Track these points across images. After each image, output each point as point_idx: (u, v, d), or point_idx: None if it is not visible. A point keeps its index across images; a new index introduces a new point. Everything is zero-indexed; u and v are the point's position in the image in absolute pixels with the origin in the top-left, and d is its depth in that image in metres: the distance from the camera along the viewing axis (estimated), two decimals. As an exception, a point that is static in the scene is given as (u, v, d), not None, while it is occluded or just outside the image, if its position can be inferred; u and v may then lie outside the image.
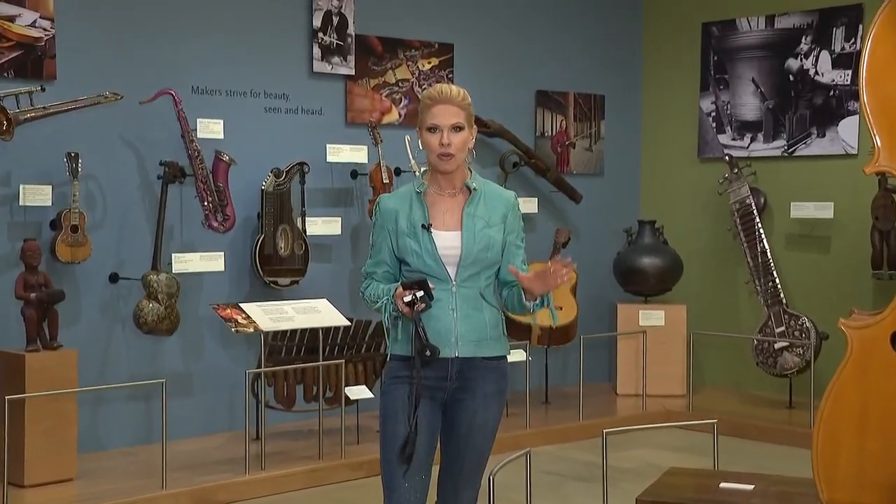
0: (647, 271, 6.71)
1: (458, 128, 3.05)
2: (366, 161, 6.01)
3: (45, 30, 5.04)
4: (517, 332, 5.97)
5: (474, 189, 3.10)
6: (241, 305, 5.21)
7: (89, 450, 5.08)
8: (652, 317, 6.68)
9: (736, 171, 6.58)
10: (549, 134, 7.01)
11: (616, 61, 7.35)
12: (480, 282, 3.08)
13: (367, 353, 5.59)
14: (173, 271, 5.31)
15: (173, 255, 5.37)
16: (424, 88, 6.27)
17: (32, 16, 5.01)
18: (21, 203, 4.95)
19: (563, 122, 7.08)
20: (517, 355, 5.59)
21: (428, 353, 2.94)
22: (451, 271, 3.04)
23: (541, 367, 6.48)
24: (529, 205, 6.64)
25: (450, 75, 6.46)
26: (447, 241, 3.05)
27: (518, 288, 3.07)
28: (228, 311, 5.17)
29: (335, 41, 6.01)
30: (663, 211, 7.20)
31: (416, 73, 6.36)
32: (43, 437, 4.61)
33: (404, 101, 6.31)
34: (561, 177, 6.93)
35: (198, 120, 5.42)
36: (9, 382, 4.63)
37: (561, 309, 6.20)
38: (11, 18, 4.95)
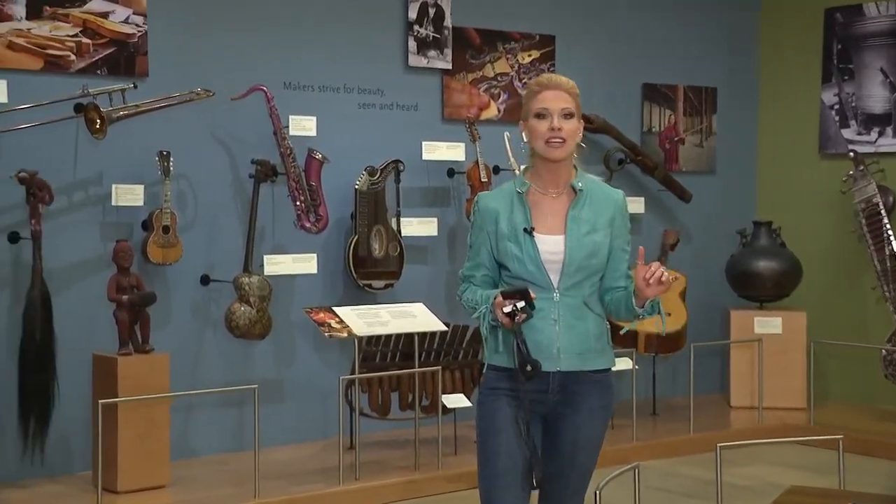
0: (763, 275, 6.59)
1: (568, 114, 3.01)
2: (463, 159, 6.03)
3: (137, 26, 5.19)
4: (623, 339, 5.92)
5: (580, 190, 3.05)
6: (335, 309, 5.26)
7: (181, 456, 5.20)
8: (769, 324, 6.55)
9: (861, 168, 6.41)
10: (657, 129, 6.93)
11: (729, 51, 7.23)
12: (584, 290, 3.03)
13: (464, 359, 5.61)
14: (265, 273, 5.40)
15: (265, 256, 5.46)
16: (524, 83, 6.27)
17: (125, 12, 5.16)
18: (113, 203, 5.10)
19: (672, 116, 6.99)
20: (623, 364, 5.54)
21: (529, 368, 2.90)
22: (554, 278, 3.00)
23: (648, 376, 6.42)
24: (636, 205, 6.57)
25: (551, 68, 6.44)
26: (550, 246, 3.01)
27: (625, 292, 3.03)
28: (321, 314, 5.22)
29: (431, 34, 6.04)
30: (781, 211, 7.05)
31: (516, 66, 6.36)
32: (135, 442, 4.74)
33: (503, 96, 6.31)
34: (669, 175, 6.85)
35: (290, 117, 5.50)
36: (101, 386, 4.78)
37: (669, 315, 6.12)
38: (105, 15, 5.11)
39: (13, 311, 4.87)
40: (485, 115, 6.25)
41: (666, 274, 2.94)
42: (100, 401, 4.49)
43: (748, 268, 6.63)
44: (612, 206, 3.08)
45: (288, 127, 5.48)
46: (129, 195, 5.12)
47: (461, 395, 5.44)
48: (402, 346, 5.46)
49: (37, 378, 4.74)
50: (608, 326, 3.12)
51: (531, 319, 2.93)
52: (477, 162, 5.93)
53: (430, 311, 5.44)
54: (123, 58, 5.15)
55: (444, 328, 5.43)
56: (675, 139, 7.02)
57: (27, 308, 4.75)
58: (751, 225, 6.81)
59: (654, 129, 6.93)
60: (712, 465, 3.87)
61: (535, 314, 2.92)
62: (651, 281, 2.92)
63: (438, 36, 6.07)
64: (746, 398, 6.52)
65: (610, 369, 3.10)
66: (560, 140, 3.00)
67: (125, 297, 4.84)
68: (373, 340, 5.38)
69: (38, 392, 4.74)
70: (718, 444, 3.87)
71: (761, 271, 6.59)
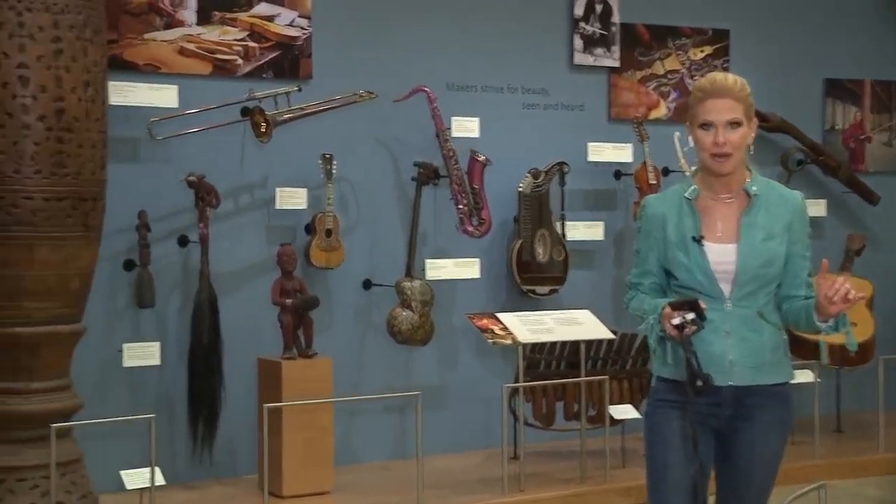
0: (960, 283, 6.28)
1: (734, 124, 2.93)
2: (630, 160, 5.98)
3: (302, 28, 5.35)
4: (803, 351, 5.73)
5: (754, 194, 2.97)
6: (498, 315, 5.28)
7: (344, 462, 5.31)
8: (967, 336, 6.24)
9: None
10: (841, 127, 6.71)
11: (921, 42, 6.93)
12: (759, 300, 2.95)
13: (633, 368, 5.54)
14: (427, 278, 5.47)
15: (427, 260, 5.53)
16: (696, 79, 6.15)
17: (291, 15, 5.32)
18: (277, 206, 5.26)
19: (858, 113, 6.75)
20: (803, 376, 5.36)
21: (699, 382, 2.84)
22: (726, 289, 2.93)
23: (832, 390, 6.19)
24: (817, 207, 6.37)
25: (725, 65, 6.31)
26: (721, 256, 2.94)
27: (805, 303, 2.93)
28: (484, 320, 5.25)
29: (598, 31, 6.01)
30: (979, 214, 6.72)
31: (687, 63, 6.26)
32: (300, 447, 4.87)
33: (673, 95, 6.22)
34: (854, 175, 6.61)
35: (452, 118, 5.57)
36: (266, 390, 4.93)
37: (856, 325, 5.88)
38: (271, 18, 5.28)
39: (182, 314, 5.07)
40: (653, 114, 6.18)
41: (852, 291, 2.81)
42: (265, 405, 4.63)
43: (942, 275, 6.32)
44: (790, 209, 2.99)
45: (450, 128, 5.54)
46: (293, 198, 5.27)
47: (629, 406, 5.38)
48: (568, 354, 5.44)
49: (205, 381, 4.93)
50: (786, 337, 3.02)
51: (702, 331, 2.86)
52: (645, 163, 5.87)
53: (596, 318, 5.40)
54: (288, 61, 5.32)
55: (612, 336, 5.38)
56: (862, 138, 6.77)
57: (195, 311, 4.95)
58: (945, 229, 6.52)
59: (837, 128, 6.70)
60: (904, 486, 3.71)
61: (705, 325, 2.85)
62: (835, 299, 2.82)
63: (606, 33, 6.03)
64: (941, 416, 6.22)
65: (788, 382, 3.01)
66: (725, 156, 2.92)
67: (289, 301, 4.98)
68: (537, 348, 5.38)
69: (207, 395, 4.93)
70: (911, 464, 3.70)
71: (957, 279, 6.28)
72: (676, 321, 2.85)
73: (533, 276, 5.74)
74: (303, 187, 5.30)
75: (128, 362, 4.88)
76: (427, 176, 5.49)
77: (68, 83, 4.17)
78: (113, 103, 4.66)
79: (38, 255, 4.14)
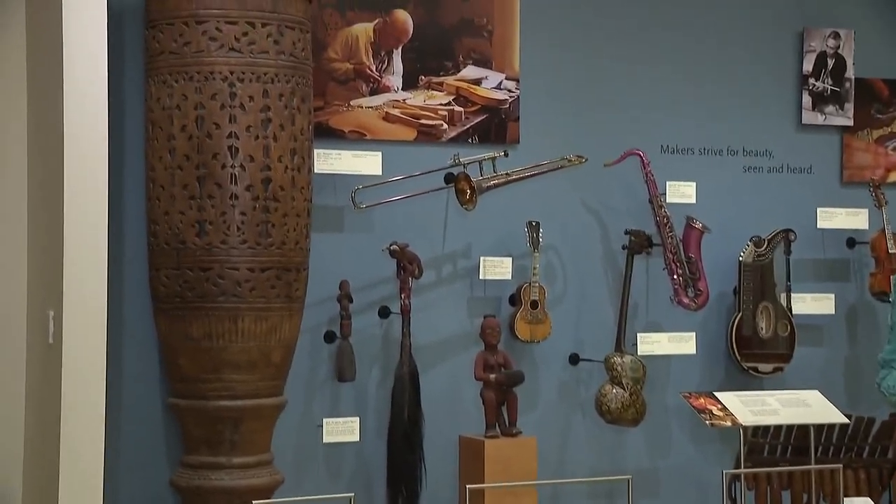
0: None
1: None
2: (865, 227, 5.82)
3: (509, 91, 5.42)
4: None
5: None
6: (716, 395, 5.15)
7: (547, 549, 5.28)
8: None
9: None
10: None
11: None
12: None
13: (871, 457, 5.30)
14: (639, 353, 5.41)
15: (638, 334, 5.48)
16: (939, 138, 5.95)
17: (498, 77, 5.41)
18: (481, 276, 5.31)
19: None
20: None
21: None
22: None
23: None
24: None
25: (972, 120, 6.05)
26: None
27: None
28: (702, 400, 5.13)
29: (829, 87, 5.88)
30: None
31: (930, 120, 6.04)
32: (502, 530, 4.86)
33: (914, 154, 6.01)
34: None
35: (667, 183, 5.53)
36: (468, 470, 4.95)
37: None
38: (478, 81, 5.38)
39: (382, 388, 5.16)
40: (892, 176, 5.99)
41: None
42: (467, 486, 4.63)
43: None
44: None
45: (665, 194, 5.50)
46: (498, 268, 5.31)
47: (867, 500, 5.12)
48: (795, 439, 5.25)
49: (405, 458, 4.98)
50: None
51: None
52: (883, 230, 5.69)
53: (827, 400, 5.20)
54: (494, 125, 5.40)
55: (846, 420, 5.14)
56: None
57: (396, 386, 5.03)
58: None
59: None
60: None
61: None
62: None
63: (838, 89, 5.89)
64: None
65: None
66: None
67: (492, 376, 5.00)
68: (760, 431, 5.22)
69: (407, 473, 4.98)
70: None
71: None
72: None
73: (754, 352, 5.60)
74: (507, 256, 5.34)
75: (327, 438, 4.99)
76: (639, 244, 5.45)
77: (275, 152, 4.38)
78: (317, 171, 4.84)
79: (242, 327, 4.32)
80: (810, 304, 5.75)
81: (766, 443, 5.27)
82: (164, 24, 4.40)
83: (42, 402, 4.46)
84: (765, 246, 5.63)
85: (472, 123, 5.37)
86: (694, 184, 5.59)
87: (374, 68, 5.20)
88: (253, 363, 4.37)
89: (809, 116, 5.87)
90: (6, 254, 4.72)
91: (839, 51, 5.89)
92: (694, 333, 5.58)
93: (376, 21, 5.20)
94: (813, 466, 5.04)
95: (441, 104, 5.31)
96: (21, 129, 4.74)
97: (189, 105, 4.34)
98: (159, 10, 4.43)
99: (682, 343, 5.55)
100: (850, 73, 5.89)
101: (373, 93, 5.20)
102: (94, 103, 4.17)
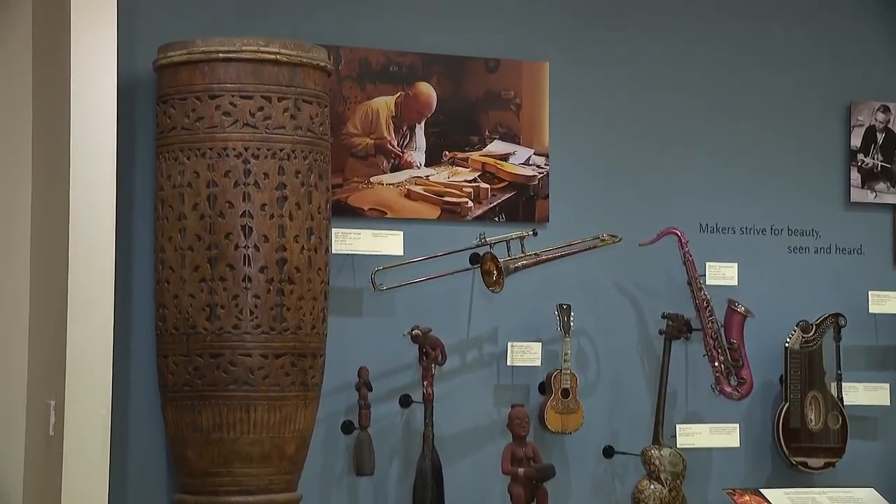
0: None
1: None
2: (921, 311, 5.78)
3: (538, 167, 5.45)
4: None
5: None
6: (762, 491, 5.16)
7: None
8: None
9: None
10: None
11: None
12: None
13: (929, 563, 5.22)
14: (678, 446, 5.36)
15: (677, 426, 5.44)
16: None
17: (526, 153, 5.44)
18: (508, 363, 5.29)
19: None
20: None
21: None
22: None
23: None
24: None
25: None
26: None
27: None
28: (746, 497, 5.14)
29: (880, 163, 5.89)
30: None
31: None
32: None
33: (973, 232, 5.99)
34: None
35: (707, 264, 5.51)
36: (494, 572, 4.89)
37: None
38: (505, 157, 5.41)
39: (403, 482, 5.13)
40: (947, 257, 5.96)
41: None
42: (493, 590, 4.59)
43: None
44: None
45: (704, 276, 5.48)
46: (526, 354, 5.29)
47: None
48: (848, 542, 5.20)
49: (428, 559, 4.94)
50: None
51: None
52: (941, 315, 5.66)
53: (883, 498, 5.17)
54: (522, 202, 5.41)
55: (903, 521, 5.11)
56: None
57: (417, 479, 4.98)
58: None
59: None
60: None
61: None
62: None
63: (889, 165, 5.90)
64: None
65: None
66: None
67: (521, 470, 4.96)
68: (810, 532, 5.18)
69: (431, 574, 4.94)
70: None
71: None
72: None
73: (803, 446, 5.55)
74: (537, 341, 5.32)
75: (343, 535, 4.96)
76: (677, 329, 5.43)
77: (291, 231, 4.40)
78: (335, 251, 4.86)
79: (255, 417, 4.31)
80: (863, 393, 5.70)
81: (816, 544, 5.22)
82: (176, 98, 4.46)
83: (41, 499, 4.44)
84: (812, 331, 5.59)
85: (498, 201, 5.39)
86: (735, 265, 5.57)
87: (395, 143, 5.24)
88: (265, 456, 4.35)
89: (859, 194, 5.87)
90: (6, 339, 4.74)
91: (889, 125, 5.91)
92: (737, 425, 5.53)
93: (398, 94, 5.25)
94: (868, 571, 4.99)
95: (466, 181, 5.34)
96: (26, 207, 4.78)
97: (201, 182, 4.38)
98: (171, 84, 4.49)
99: (724, 435, 5.51)
100: (901, 147, 5.94)
101: (394, 169, 5.24)
102: (101, 181, 4.22)
